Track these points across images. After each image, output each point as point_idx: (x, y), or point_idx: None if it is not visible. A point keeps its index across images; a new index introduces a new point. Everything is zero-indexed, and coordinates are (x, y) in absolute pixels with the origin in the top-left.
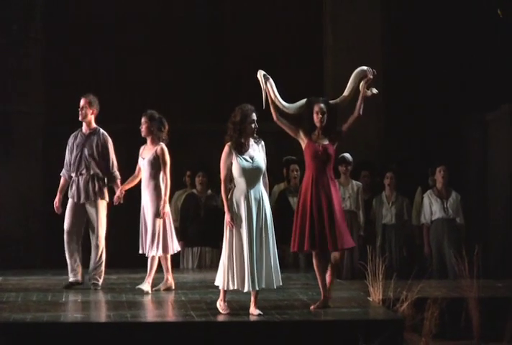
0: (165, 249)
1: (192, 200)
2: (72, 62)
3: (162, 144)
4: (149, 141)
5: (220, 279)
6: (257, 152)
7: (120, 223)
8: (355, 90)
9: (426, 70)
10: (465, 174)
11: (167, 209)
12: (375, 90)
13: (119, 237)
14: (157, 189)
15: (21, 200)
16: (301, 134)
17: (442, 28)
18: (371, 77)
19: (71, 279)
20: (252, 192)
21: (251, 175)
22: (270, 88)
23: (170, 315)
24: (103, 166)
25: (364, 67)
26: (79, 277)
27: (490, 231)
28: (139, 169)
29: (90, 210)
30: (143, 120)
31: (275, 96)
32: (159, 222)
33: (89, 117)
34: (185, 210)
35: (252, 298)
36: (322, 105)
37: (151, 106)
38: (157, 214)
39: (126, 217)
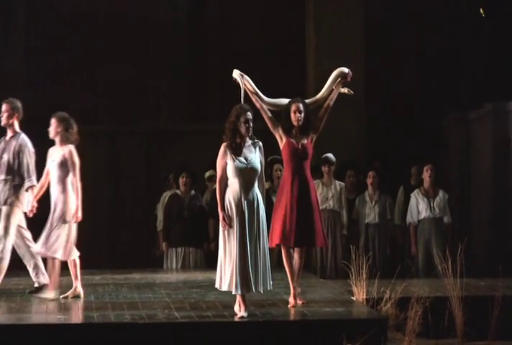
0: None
1: (175, 201)
2: (53, 63)
3: (71, 146)
4: (57, 142)
5: (217, 281)
6: (253, 154)
7: (103, 225)
8: (331, 90)
9: (409, 69)
10: (448, 173)
11: (80, 214)
12: (351, 91)
13: (100, 239)
14: (64, 192)
15: None
16: (280, 131)
17: (424, 28)
18: (349, 80)
19: (36, 284)
20: (245, 193)
21: (245, 176)
22: (247, 84)
23: (154, 316)
24: (19, 172)
25: (346, 70)
26: (43, 281)
27: (473, 229)
28: (47, 172)
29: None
30: (51, 121)
31: (255, 90)
32: (68, 225)
33: (10, 122)
34: (169, 211)
35: (240, 300)
36: (299, 104)
37: (133, 106)
38: (65, 219)
39: (109, 219)
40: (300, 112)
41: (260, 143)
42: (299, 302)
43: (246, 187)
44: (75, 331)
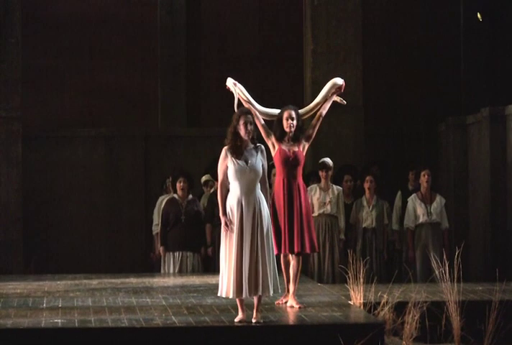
0: None
1: (173, 205)
2: (51, 66)
3: None
4: None
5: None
6: (255, 157)
7: (100, 229)
8: (324, 100)
9: (406, 73)
10: (445, 177)
11: None
12: (343, 101)
13: (97, 242)
14: None
15: None
16: (273, 139)
17: (423, 32)
18: (342, 91)
19: None
20: (246, 197)
21: (245, 180)
22: (240, 93)
23: (151, 320)
24: None
25: (340, 82)
26: None
27: (470, 234)
28: None
29: None
30: None
31: (248, 99)
32: None
33: None
34: (166, 215)
35: (255, 304)
36: (291, 111)
37: (130, 110)
38: None
39: (106, 223)
40: (292, 119)
41: (262, 147)
42: (296, 306)
43: (247, 190)
44: (72, 336)
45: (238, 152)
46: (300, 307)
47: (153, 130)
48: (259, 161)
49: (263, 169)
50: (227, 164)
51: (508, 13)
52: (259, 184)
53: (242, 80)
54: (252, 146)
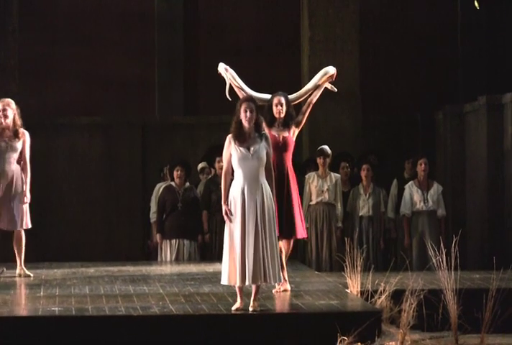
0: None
1: (170, 193)
2: (49, 55)
3: None
4: None
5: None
6: (258, 144)
7: (97, 217)
8: (315, 87)
9: (404, 61)
10: (442, 165)
11: None
12: (334, 88)
13: (95, 231)
14: None
15: None
16: (263, 124)
17: (419, 21)
18: (333, 79)
19: None
20: (249, 185)
21: (249, 167)
22: (232, 78)
23: (148, 309)
24: None
25: (332, 71)
26: None
27: (467, 222)
28: None
29: None
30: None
31: (239, 84)
32: None
33: None
34: (163, 202)
35: (253, 292)
36: (281, 97)
37: (128, 98)
38: None
39: (104, 211)
40: (281, 105)
41: (267, 134)
42: (289, 288)
43: (250, 178)
44: (69, 324)
45: (241, 140)
46: (285, 290)
47: (151, 118)
48: (263, 148)
49: (267, 156)
50: (231, 152)
51: (505, 1)
52: (263, 172)
53: (240, 69)
54: (257, 134)
